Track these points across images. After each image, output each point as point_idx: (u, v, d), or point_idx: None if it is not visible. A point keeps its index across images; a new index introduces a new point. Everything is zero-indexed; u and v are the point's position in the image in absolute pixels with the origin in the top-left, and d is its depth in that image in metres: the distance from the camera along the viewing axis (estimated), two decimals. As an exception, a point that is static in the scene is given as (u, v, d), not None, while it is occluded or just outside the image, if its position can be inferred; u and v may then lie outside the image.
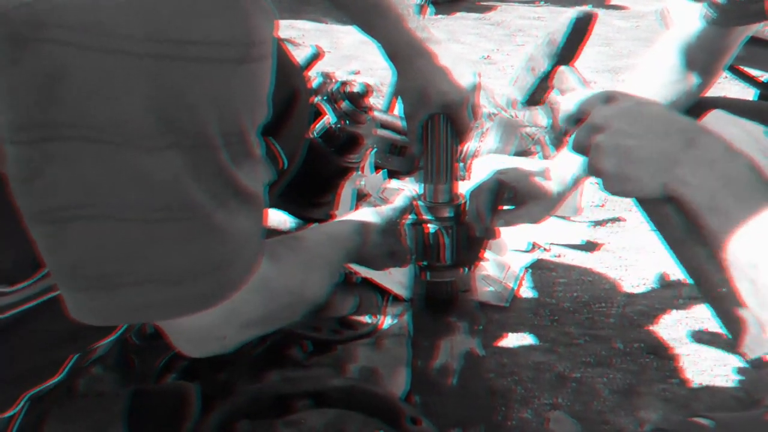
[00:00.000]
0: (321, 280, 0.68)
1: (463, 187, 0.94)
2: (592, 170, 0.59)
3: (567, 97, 0.66)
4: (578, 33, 0.75)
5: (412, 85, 0.85)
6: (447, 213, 0.90)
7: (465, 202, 0.91)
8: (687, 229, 0.55)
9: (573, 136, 0.62)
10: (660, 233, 0.59)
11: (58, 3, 0.40)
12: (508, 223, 0.90)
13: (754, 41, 1.36)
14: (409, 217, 0.91)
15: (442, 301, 0.97)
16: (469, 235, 0.91)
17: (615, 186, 0.58)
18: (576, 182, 0.88)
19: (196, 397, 0.78)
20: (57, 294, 0.50)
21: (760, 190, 0.50)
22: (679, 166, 0.53)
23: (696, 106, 0.91)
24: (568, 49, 0.76)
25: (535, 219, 0.90)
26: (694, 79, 0.90)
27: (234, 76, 0.45)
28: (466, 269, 0.96)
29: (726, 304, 0.52)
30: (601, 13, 3.38)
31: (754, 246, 0.48)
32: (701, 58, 0.89)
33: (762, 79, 1.85)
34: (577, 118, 0.63)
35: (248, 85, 0.47)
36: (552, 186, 0.88)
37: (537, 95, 0.82)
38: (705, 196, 0.52)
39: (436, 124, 0.87)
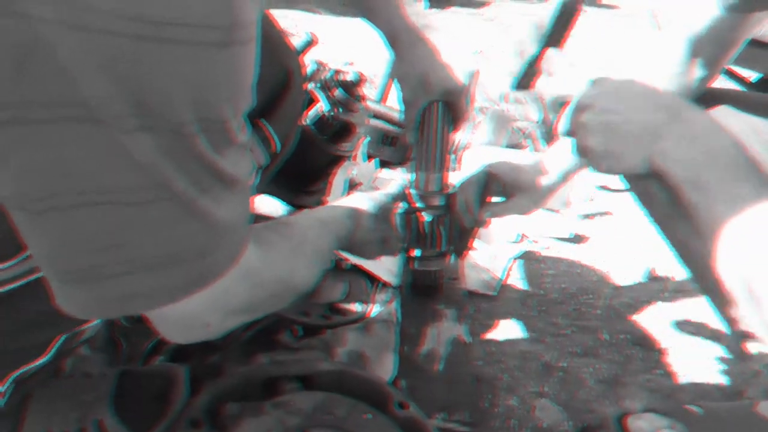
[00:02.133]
0: (311, 266, 0.68)
1: (454, 179, 0.94)
2: (579, 150, 0.60)
3: (554, 80, 0.66)
4: (566, 16, 0.75)
5: (413, 70, 0.84)
6: (438, 202, 0.90)
7: (455, 192, 0.92)
8: (672, 204, 0.56)
9: (561, 119, 0.62)
10: (646, 209, 0.60)
11: None
12: (495, 215, 0.90)
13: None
14: (401, 205, 0.91)
15: (427, 287, 0.97)
16: (459, 224, 0.91)
17: (602, 163, 0.58)
18: (565, 176, 0.89)
19: (185, 379, 0.78)
20: (42, 274, 0.48)
21: (740, 166, 0.50)
22: (663, 140, 0.54)
23: (703, 98, 0.93)
24: (556, 33, 0.76)
25: (522, 211, 0.91)
26: (699, 71, 0.91)
27: (214, 60, 0.43)
28: (454, 256, 0.96)
29: (710, 277, 0.53)
30: (592, 11, 3.40)
31: (732, 222, 0.49)
32: (708, 50, 0.90)
33: (751, 79, 1.87)
34: (564, 101, 0.64)
35: (230, 70, 0.45)
36: (541, 179, 0.89)
37: (526, 80, 0.82)
38: (687, 170, 0.52)
39: (434, 112, 0.87)
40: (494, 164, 0.91)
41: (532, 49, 0.79)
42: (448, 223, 0.90)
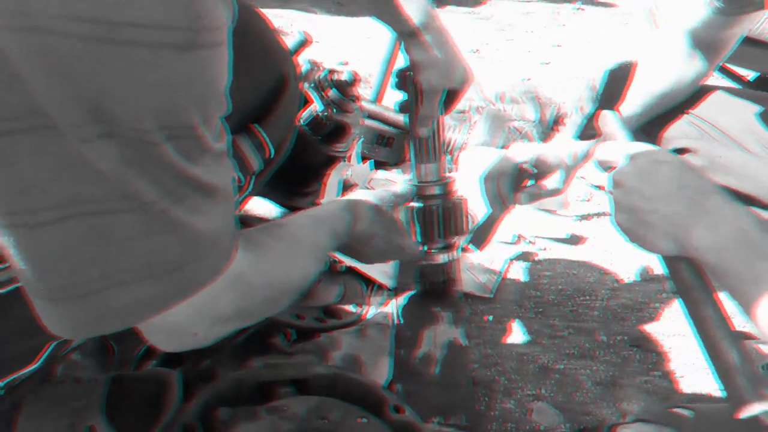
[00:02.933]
0: (306, 266, 0.66)
1: (454, 177, 0.96)
2: (613, 219, 0.64)
3: (602, 146, 0.71)
4: (616, 81, 0.79)
5: (438, 60, 0.85)
6: (437, 191, 0.93)
7: (453, 180, 0.94)
8: (698, 285, 0.59)
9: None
10: (674, 285, 0.63)
11: None
12: (533, 198, 0.93)
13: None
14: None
15: (436, 284, 0.98)
16: (460, 212, 0.93)
17: (632, 239, 0.63)
18: (586, 156, 0.91)
19: (177, 384, 0.77)
20: None
21: (764, 244, 0.54)
22: (688, 233, 0.57)
23: (698, 93, 0.94)
24: (608, 96, 0.80)
25: (554, 192, 0.93)
26: (698, 65, 0.92)
27: (176, 64, 0.41)
28: (459, 251, 0.97)
29: (726, 363, 0.56)
30: (590, 9, 3.40)
31: (761, 299, 0.52)
32: (705, 45, 0.91)
33: (748, 78, 1.87)
34: (609, 166, 0.69)
35: (195, 74, 0.43)
36: (565, 159, 0.92)
37: (587, 133, 0.88)
38: (715, 257, 0.56)
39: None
40: (519, 153, 0.93)
41: (587, 107, 0.83)
42: (447, 211, 0.91)
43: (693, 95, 0.94)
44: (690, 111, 0.94)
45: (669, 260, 0.62)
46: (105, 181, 0.41)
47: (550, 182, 0.93)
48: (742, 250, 0.54)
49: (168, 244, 0.46)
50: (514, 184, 0.93)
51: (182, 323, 0.51)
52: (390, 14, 0.85)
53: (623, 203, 0.62)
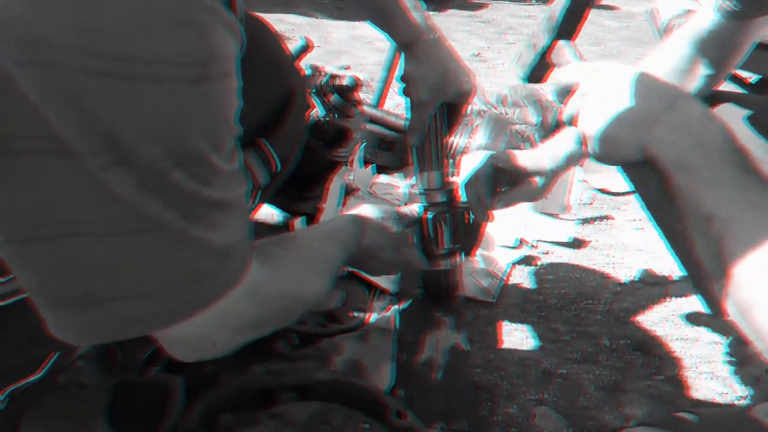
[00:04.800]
0: (320, 278, 0.67)
1: (456, 179, 0.96)
2: (581, 138, 0.62)
3: (559, 71, 0.68)
4: (577, 7, 0.76)
5: (433, 71, 0.85)
6: (440, 198, 0.93)
7: (457, 187, 0.94)
8: (663, 190, 0.57)
9: (565, 107, 0.64)
10: (639, 196, 0.61)
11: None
12: (507, 204, 0.91)
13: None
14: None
15: (439, 290, 0.98)
16: (464, 219, 0.93)
17: (600, 150, 0.60)
18: (569, 160, 0.89)
19: (180, 390, 0.77)
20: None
21: (728, 152, 0.52)
22: (657, 127, 0.55)
23: (708, 99, 0.93)
24: (567, 24, 0.77)
25: (531, 196, 0.91)
26: (702, 72, 0.91)
27: (188, 96, 0.42)
28: (462, 256, 0.97)
29: (692, 260, 0.53)
30: (591, 12, 3.41)
31: (713, 203, 0.50)
32: (713, 52, 0.90)
33: (750, 80, 1.86)
34: (569, 90, 0.65)
35: (205, 104, 0.44)
36: (545, 163, 0.89)
37: (538, 72, 0.84)
38: (676, 153, 0.54)
39: (439, 112, 0.91)
40: (496, 155, 0.91)
41: (543, 40, 0.79)
42: (452, 219, 0.91)
43: (702, 100, 0.93)
44: None
45: (635, 170, 0.60)
46: (122, 204, 0.42)
47: (529, 187, 0.90)
48: (704, 151, 0.52)
49: (185, 259, 0.46)
50: (491, 187, 0.90)
51: (202, 334, 0.52)
52: (385, 24, 0.85)
53: (595, 110, 0.60)
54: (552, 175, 0.89)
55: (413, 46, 0.85)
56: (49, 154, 0.40)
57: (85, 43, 0.38)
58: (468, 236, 0.95)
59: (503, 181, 0.91)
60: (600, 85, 0.60)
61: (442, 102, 0.89)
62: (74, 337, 0.47)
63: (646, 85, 0.58)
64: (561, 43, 0.74)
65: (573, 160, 0.89)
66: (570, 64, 0.69)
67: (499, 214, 0.93)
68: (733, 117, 0.90)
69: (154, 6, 0.40)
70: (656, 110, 0.56)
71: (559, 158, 0.88)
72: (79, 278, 0.44)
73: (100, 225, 0.43)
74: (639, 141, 0.57)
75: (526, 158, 0.88)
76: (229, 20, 0.45)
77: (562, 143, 0.90)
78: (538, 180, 0.88)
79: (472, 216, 0.95)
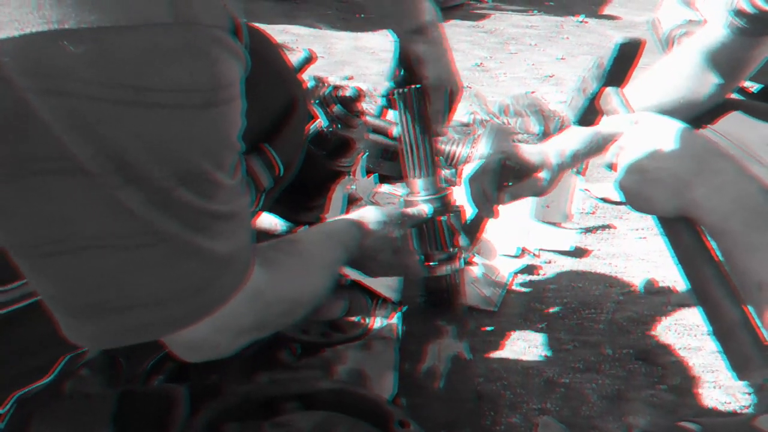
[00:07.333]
0: (320, 281, 0.68)
1: (456, 193, 0.96)
2: (617, 186, 0.64)
3: (605, 120, 0.71)
4: (625, 57, 0.78)
5: (445, 53, 0.89)
6: (436, 203, 0.93)
7: (451, 191, 0.95)
8: (697, 248, 0.58)
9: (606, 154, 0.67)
10: (673, 250, 0.62)
11: (17, 45, 0.38)
12: (513, 198, 0.92)
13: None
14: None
15: (441, 296, 0.98)
16: (461, 222, 0.94)
17: (635, 203, 0.62)
18: (574, 157, 0.90)
19: (184, 400, 0.78)
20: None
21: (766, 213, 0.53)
22: (692, 190, 0.57)
23: (719, 108, 0.94)
24: (615, 73, 0.79)
25: (538, 191, 0.91)
26: (713, 80, 0.92)
27: (195, 121, 0.44)
28: (462, 262, 0.97)
29: (728, 323, 0.55)
30: (593, 22, 3.42)
31: (764, 269, 0.52)
32: (724, 64, 0.91)
33: (752, 89, 1.87)
34: (612, 138, 0.68)
35: (212, 128, 0.46)
36: (551, 158, 0.90)
37: (588, 116, 0.85)
38: (716, 219, 0.55)
39: (427, 117, 0.92)
40: (503, 149, 0.92)
41: (592, 86, 0.82)
42: (448, 223, 0.92)
43: (712, 111, 0.93)
44: (708, 126, 0.93)
45: (668, 222, 0.61)
46: (133, 219, 0.44)
47: (535, 182, 0.90)
48: (745, 214, 0.53)
49: (192, 269, 0.48)
50: (497, 182, 0.92)
51: (206, 337, 0.54)
52: (401, 11, 0.88)
53: (630, 165, 0.62)
54: (558, 170, 0.90)
55: (430, 28, 0.88)
56: (67, 174, 0.42)
57: (103, 74, 0.40)
58: (470, 230, 0.96)
59: (509, 176, 0.92)
60: (638, 140, 0.62)
61: (430, 105, 0.91)
62: (88, 341, 0.49)
63: (679, 143, 0.59)
64: (609, 90, 0.77)
65: (579, 158, 0.90)
66: (615, 115, 0.73)
67: (501, 217, 0.94)
68: (743, 125, 0.91)
69: (168, 39, 0.42)
70: (690, 173, 0.57)
71: (565, 154, 0.89)
72: (94, 288, 0.46)
73: (113, 239, 0.45)
74: (674, 202, 0.58)
75: (532, 153, 0.90)
76: (236, 48, 0.47)
77: (569, 140, 0.91)
78: (544, 175, 0.90)
79: (468, 218, 0.95)
